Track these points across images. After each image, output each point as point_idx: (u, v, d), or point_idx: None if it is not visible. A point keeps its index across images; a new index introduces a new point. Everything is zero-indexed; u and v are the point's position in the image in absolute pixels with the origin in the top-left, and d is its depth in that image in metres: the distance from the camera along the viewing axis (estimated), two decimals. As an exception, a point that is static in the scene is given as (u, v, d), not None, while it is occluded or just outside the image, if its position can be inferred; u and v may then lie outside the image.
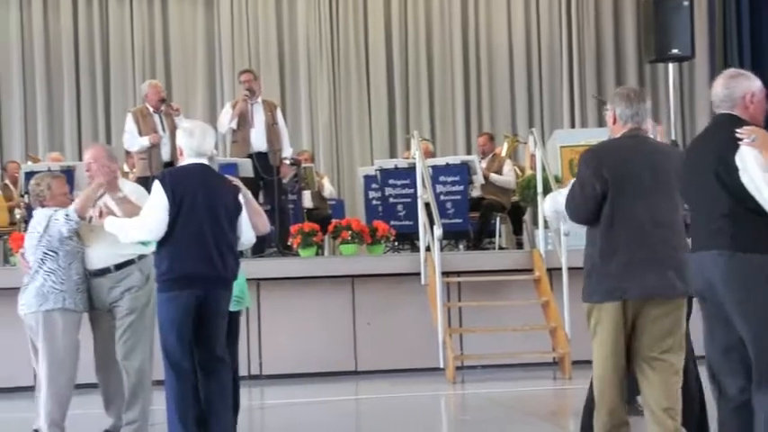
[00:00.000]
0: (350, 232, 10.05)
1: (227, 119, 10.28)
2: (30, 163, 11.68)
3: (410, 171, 10.43)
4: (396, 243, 10.74)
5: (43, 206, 6.24)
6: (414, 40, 15.01)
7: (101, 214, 5.92)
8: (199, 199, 5.52)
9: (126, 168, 11.17)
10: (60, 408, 6.11)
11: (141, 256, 6.23)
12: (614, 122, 4.85)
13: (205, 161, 5.69)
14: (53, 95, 14.23)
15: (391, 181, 10.81)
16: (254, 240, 5.91)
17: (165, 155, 9.95)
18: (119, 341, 6.23)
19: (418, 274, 9.59)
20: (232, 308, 5.73)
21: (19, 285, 6.30)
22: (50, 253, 6.13)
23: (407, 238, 10.70)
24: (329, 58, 14.74)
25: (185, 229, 5.49)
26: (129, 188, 6.44)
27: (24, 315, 6.18)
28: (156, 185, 5.54)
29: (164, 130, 10.02)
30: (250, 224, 5.72)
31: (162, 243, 5.52)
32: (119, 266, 6.23)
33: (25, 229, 10.35)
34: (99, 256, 6.19)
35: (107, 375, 6.39)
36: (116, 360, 6.29)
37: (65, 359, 6.13)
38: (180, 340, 5.50)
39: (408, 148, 12.33)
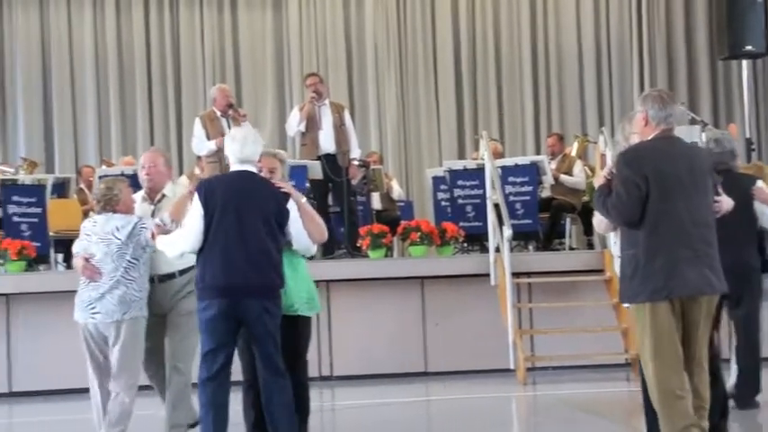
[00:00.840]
0: (419, 234, 10.03)
1: (295, 122, 10.34)
2: (104, 167, 11.87)
3: (479, 172, 10.38)
4: (465, 244, 10.70)
5: (115, 211, 6.13)
6: (482, 39, 14.96)
7: (152, 235, 5.94)
8: (231, 207, 5.44)
9: (197, 171, 11.29)
10: (122, 418, 6.09)
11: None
12: (645, 124, 4.95)
13: (249, 167, 5.60)
14: (126, 101, 14.43)
15: (460, 182, 10.77)
16: (311, 247, 5.74)
17: (232, 159, 10.03)
18: (173, 342, 6.25)
19: (487, 275, 9.55)
20: (301, 312, 5.67)
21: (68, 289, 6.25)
22: (134, 261, 6.07)
23: (476, 240, 10.65)
24: (397, 59, 14.76)
25: (216, 238, 5.44)
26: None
27: (100, 323, 6.05)
28: (195, 196, 5.55)
29: (231, 133, 10.11)
30: (305, 231, 5.62)
31: (198, 252, 5.51)
32: (183, 272, 6.25)
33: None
34: (167, 261, 6.16)
35: (162, 379, 6.35)
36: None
37: (140, 366, 6.19)
38: (212, 349, 5.44)
39: (477, 148, 12.29)
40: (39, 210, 10.03)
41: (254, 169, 5.63)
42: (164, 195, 6.37)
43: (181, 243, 5.57)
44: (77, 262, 6.13)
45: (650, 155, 4.89)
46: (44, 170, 12.97)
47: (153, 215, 6.27)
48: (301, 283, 5.71)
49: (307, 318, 5.78)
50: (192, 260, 6.11)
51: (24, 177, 11.00)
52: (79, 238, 6.23)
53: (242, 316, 5.40)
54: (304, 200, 5.74)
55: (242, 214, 5.44)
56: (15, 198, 10.22)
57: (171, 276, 6.27)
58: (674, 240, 4.77)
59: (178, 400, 6.29)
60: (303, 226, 5.60)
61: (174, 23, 14.59)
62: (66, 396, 8.79)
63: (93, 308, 6.05)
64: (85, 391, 6.31)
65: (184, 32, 14.58)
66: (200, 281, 5.48)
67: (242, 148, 5.59)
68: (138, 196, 6.40)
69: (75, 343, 6.32)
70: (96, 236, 6.10)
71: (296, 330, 5.67)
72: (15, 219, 10.08)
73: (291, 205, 5.57)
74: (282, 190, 5.59)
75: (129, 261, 6.05)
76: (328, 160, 10.21)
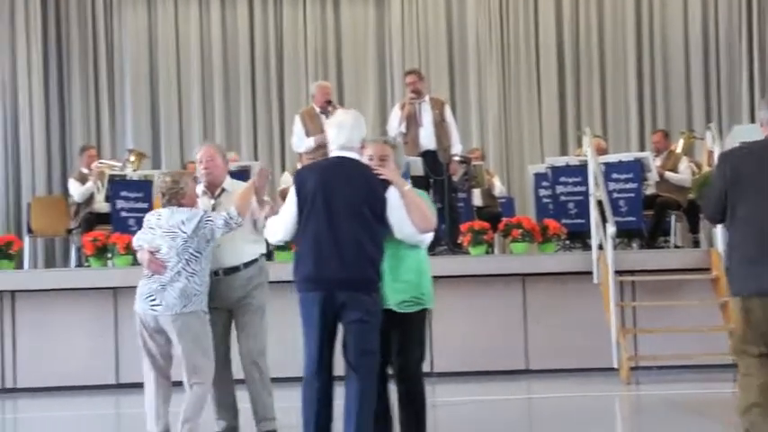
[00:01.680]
0: (520, 230, 9.97)
1: (396, 122, 10.35)
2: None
3: (582, 168, 10.28)
4: (567, 241, 10.60)
5: (180, 205, 6.08)
6: (585, 34, 14.78)
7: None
8: (321, 196, 5.26)
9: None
10: (195, 410, 6.04)
11: (262, 255, 6.44)
12: (761, 125, 5.05)
13: (347, 154, 5.38)
14: (230, 97, 14.61)
15: (562, 179, 10.67)
16: (417, 236, 5.34)
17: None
18: (248, 338, 6.25)
19: (590, 273, 9.45)
20: (407, 309, 5.39)
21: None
22: (196, 254, 6.02)
23: (579, 237, 10.54)
24: (499, 54, 14.67)
25: (307, 228, 5.28)
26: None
27: (160, 316, 6.00)
28: (291, 186, 5.46)
29: (330, 130, 10.17)
30: (408, 220, 5.28)
31: (294, 242, 5.43)
32: (247, 264, 6.29)
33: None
34: (230, 254, 6.19)
35: (221, 376, 6.27)
36: (228, 360, 6.36)
37: (209, 360, 6.08)
38: (310, 342, 5.29)
39: (580, 145, 12.15)
40: (146, 205, 10.23)
41: (352, 155, 5.40)
42: (223, 189, 6.40)
43: (280, 231, 5.45)
44: (143, 255, 6.08)
45: (742, 155, 5.03)
46: (150, 166, 13.23)
47: (213, 209, 6.29)
48: (404, 276, 5.38)
49: (411, 314, 5.43)
50: (256, 252, 6.25)
51: (132, 173, 11.24)
52: (142, 231, 6.19)
53: (335, 308, 5.22)
54: (408, 186, 5.37)
55: (331, 203, 5.24)
56: (123, 193, 10.47)
57: (236, 269, 6.28)
58: (749, 239, 4.85)
59: (262, 395, 6.34)
60: (407, 214, 5.29)
61: (277, 20, 14.73)
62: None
63: (153, 300, 6.01)
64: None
65: (288, 29, 14.70)
66: (294, 272, 5.34)
67: (338, 134, 5.43)
68: (198, 190, 6.36)
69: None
70: (161, 229, 6.05)
71: (391, 325, 5.37)
72: (123, 213, 10.33)
73: (392, 193, 5.29)
74: (381, 177, 5.30)
75: (192, 254, 6.00)
76: (428, 157, 10.19)
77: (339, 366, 5.29)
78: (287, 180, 12.32)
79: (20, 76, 13.54)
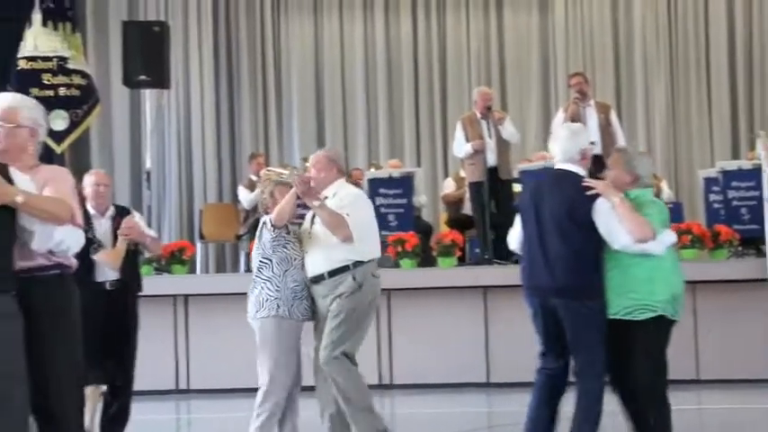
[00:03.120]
0: (690, 236, 9.72)
1: (559, 124, 10.24)
2: (372, 170, 12.17)
3: (755, 172, 9.94)
4: (740, 248, 10.26)
5: (266, 213, 6.27)
6: (759, 32, 14.27)
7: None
8: (533, 207, 5.58)
9: (462, 173, 11.41)
10: (270, 415, 6.08)
11: (357, 263, 6.12)
12: None
13: (566, 166, 5.58)
14: (393, 103, 14.73)
15: (734, 183, 10.35)
16: (635, 246, 5.34)
17: (491, 160, 10.11)
18: (322, 346, 6.15)
19: (764, 280, 9.12)
20: (631, 317, 5.37)
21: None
22: (265, 261, 6.15)
23: (752, 243, 10.19)
24: (667, 55, 14.33)
25: (524, 237, 5.66)
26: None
27: (249, 321, 6.21)
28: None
29: (490, 136, 10.17)
30: (619, 230, 5.35)
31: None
32: (332, 273, 6.12)
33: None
34: (314, 263, 6.15)
35: (323, 382, 6.29)
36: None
37: (277, 368, 6.09)
38: (540, 347, 5.65)
39: (753, 148, 11.75)
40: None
41: (569, 167, 5.58)
42: (326, 197, 6.29)
43: (513, 240, 5.83)
44: None
45: None
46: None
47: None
48: (629, 284, 5.39)
49: (630, 322, 5.39)
50: (344, 259, 6.11)
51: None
52: None
53: (552, 314, 5.50)
54: (617, 198, 5.38)
55: (540, 214, 5.53)
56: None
57: (320, 278, 6.18)
58: None
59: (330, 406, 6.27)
60: (622, 225, 5.35)
61: (440, 26, 14.77)
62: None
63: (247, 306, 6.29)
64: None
65: (451, 35, 14.73)
66: (520, 278, 5.72)
67: (552, 146, 5.74)
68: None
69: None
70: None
71: (619, 335, 5.40)
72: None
73: (600, 204, 5.39)
74: (590, 192, 5.41)
75: (261, 261, 6.16)
76: (594, 161, 10.03)
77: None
78: (449, 185, 12.36)
79: (192, 86, 13.96)
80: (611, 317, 5.40)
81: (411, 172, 11.48)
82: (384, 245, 10.04)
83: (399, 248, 9.91)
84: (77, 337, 4.53)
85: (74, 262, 4.53)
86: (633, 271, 5.38)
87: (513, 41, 14.70)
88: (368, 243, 6.22)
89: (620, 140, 10.28)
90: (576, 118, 10.10)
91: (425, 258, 10.22)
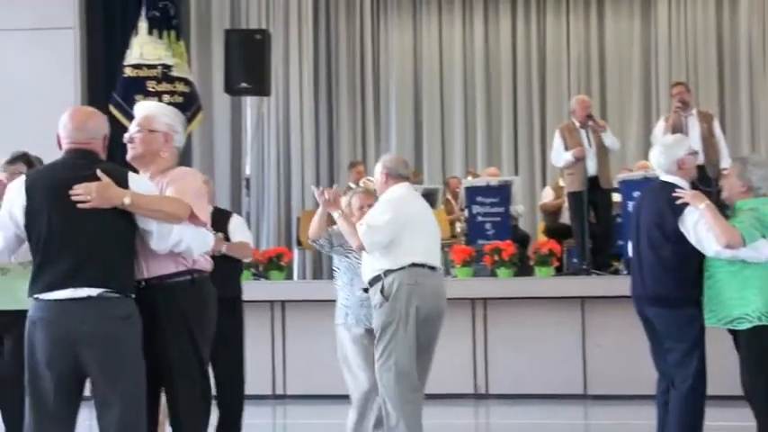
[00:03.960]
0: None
1: (660, 133, 10.09)
2: (469, 178, 12.15)
3: None
4: None
5: None
6: None
7: None
8: (635, 217, 5.83)
9: (561, 183, 11.30)
10: (356, 421, 6.22)
11: (387, 272, 6.00)
12: None
13: (664, 177, 5.75)
14: (492, 111, 14.67)
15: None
16: (725, 252, 5.41)
17: (591, 169, 9.99)
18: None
19: None
20: (735, 326, 5.45)
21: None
22: (336, 269, 6.36)
23: None
24: (774, 62, 14.01)
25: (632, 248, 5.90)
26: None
27: None
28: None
29: (590, 145, 10.05)
30: (711, 238, 5.42)
31: None
32: (371, 282, 6.09)
33: (465, 242, 10.82)
34: (363, 273, 6.17)
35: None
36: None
37: (350, 374, 6.21)
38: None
39: None
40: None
41: (667, 178, 5.73)
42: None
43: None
44: None
45: None
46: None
47: None
48: (728, 293, 5.46)
49: (737, 332, 5.49)
50: (378, 268, 6.03)
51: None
52: None
53: (647, 322, 5.75)
54: (702, 205, 5.47)
55: (639, 224, 5.75)
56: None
57: (366, 288, 6.17)
58: None
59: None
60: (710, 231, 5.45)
61: (540, 33, 14.67)
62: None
63: None
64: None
65: (550, 43, 14.62)
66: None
67: (650, 157, 5.95)
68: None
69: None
70: None
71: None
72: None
73: (688, 213, 5.50)
74: (678, 202, 5.53)
75: (333, 270, 6.38)
76: (698, 171, 9.86)
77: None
78: (548, 194, 12.25)
79: (292, 93, 14.08)
80: (712, 326, 5.52)
81: (509, 180, 11.42)
82: (480, 254, 10.03)
83: (496, 257, 9.86)
84: (201, 347, 4.52)
85: (206, 267, 4.56)
86: (729, 279, 5.43)
87: (614, 48, 14.53)
88: (402, 248, 6.01)
89: (724, 151, 10.08)
90: (677, 128, 9.93)
91: (522, 268, 10.16)
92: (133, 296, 4.33)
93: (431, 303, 6.02)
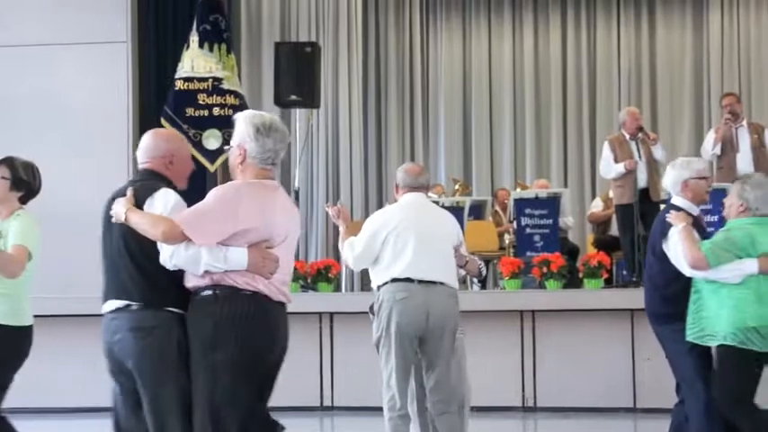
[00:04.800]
0: None
1: (709, 145, 10.04)
2: (518, 190, 12.11)
3: None
4: None
5: None
6: None
7: None
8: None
9: (611, 194, 11.23)
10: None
11: (378, 287, 6.05)
12: None
13: (674, 199, 5.89)
14: (541, 123, 14.63)
15: None
16: (690, 272, 5.62)
17: (642, 181, 9.94)
18: None
19: None
20: (701, 342, 5.64)
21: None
22: None
23: None
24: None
25: None
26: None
27: None
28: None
29: (640, 157, 9.99)
30: (681, 259, 5.68)
31: None
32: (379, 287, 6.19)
33: (514, 254, 10.79)
34: None
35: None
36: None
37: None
38: None
39: None
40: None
41: (674, 199, 5.91)
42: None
43: None
44: None
45: None
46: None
47: None
48: (701, 312, 5.63)
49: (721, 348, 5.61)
50: (374, 284, 6.07)
51: (444, 200, 11.49)
52: None
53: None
54: (680, 226, 5.63)
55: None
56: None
57: None
58: None
59: None
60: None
61: (590, 45, 14.61)
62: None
63: None
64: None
65: (601, 53, 14.56)
66: None
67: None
68: None
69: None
70: None
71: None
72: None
73: (671, 233, 5.67)
74: (668, 221, 5.74)
75: None
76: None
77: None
78: (597, 205, 12.19)
79: (341, 105, 14.13)
80: (690, 339, 5.64)
81: (558, 192, 11.38)
82: (529, 266, 9.99)
83: (545, 269, 9.82)
84: (218, 365, 4.24)
85: (228, 281, 4.29)
86: (710, 297, 5.58)
87: (666, 59, 14.43)
88: (384, 263, 5.99)
89: (775, 163, 9.97)
90: (726, 139, 9.85)
91: (572, 280, 10.10)
92: (169, 309, 4.37)
93: (413, 320, 5.89)
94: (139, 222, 4.30)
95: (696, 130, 14.07)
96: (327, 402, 10.06)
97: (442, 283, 5.95)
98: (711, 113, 13.93)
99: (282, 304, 4.41)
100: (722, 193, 9.51)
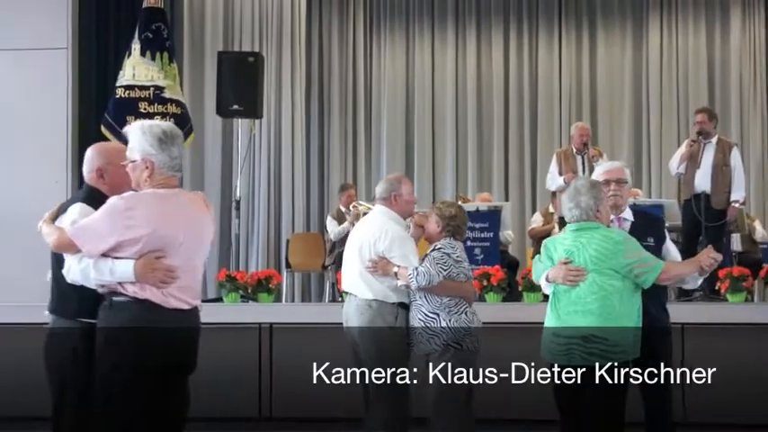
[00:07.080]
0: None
1: (675, 163, 10.07)
2: (460, 203, 12.14)
3: None
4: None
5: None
6: None
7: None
8: None
9: (551, 209, 11.32)
10: None
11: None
12: None
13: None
14: (483, 135, 14.68)
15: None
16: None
17: (590, 196, 10.00)
18: None
19: None
20: None
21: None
22: None
23: None
24: (763, 96, 14.05)
25: None
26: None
27: None
28: None
29: (583, 171, 10.10)
30: None
31: None
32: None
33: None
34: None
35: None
36: None
37: None
38: None
39: None
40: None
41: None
42: None
43: None
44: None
45: None
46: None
47: None
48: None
49: None
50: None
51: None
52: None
53: None
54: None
55: None
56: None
57: None
58: None
59: None
60: None
61: (532, 58, 14.72)
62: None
63: None
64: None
65: (542, 67, 14.66)
66: None
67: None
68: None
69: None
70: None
71: None
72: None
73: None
74: None
75: None
76: (702, 200, 9.81)
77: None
78: (537, 220, 12.28)
79: (284, 116, 14.09)
80: None
81: (499, 206, 11.43)
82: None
83: (485, 282, 9.86)
84: (106, 372, 4.40)
85: (120, 290, 4.38)
86: None
87: (606, 76, 14.59)
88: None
89: (738, 182, 9.99)
90: (694, 156, 9.86)
91: (511, 293, 10.16)
92: (83, 320, 4.51)
93: (346, 330, 6.31)
94: (44, 234, 4.48)
95: (635, 146, 14.23)
96: (266, 413, 10.00)
97: (355, 295, 6.30)
98: (650, 129, 14.11)
99: (182, 311, 4.44)
100: (659, 208, 9.67)
